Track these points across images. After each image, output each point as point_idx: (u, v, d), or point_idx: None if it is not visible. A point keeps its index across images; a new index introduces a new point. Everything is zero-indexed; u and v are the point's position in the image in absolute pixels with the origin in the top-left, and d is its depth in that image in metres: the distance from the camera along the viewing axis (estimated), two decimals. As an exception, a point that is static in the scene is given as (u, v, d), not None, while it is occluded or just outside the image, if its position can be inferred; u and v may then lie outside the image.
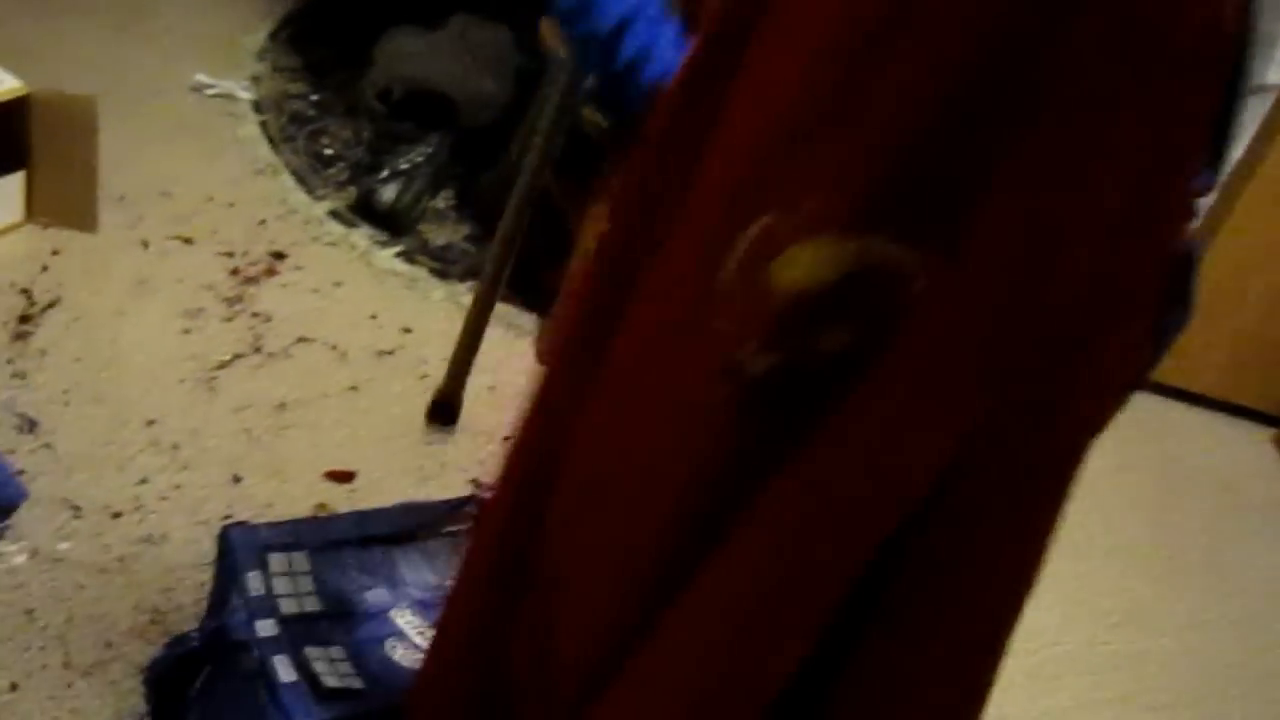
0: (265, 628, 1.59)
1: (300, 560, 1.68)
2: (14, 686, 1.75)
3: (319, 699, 1.52)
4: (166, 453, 2.13)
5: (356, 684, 1.56)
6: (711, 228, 0.97)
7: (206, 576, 1.94)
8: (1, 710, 1.72)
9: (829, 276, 0.90)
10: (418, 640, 1.66)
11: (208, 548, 1.99)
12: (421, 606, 1.70)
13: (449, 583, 1.74)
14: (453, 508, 1.81)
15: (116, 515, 2.00)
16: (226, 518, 2.05)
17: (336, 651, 1.61)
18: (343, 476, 2.18)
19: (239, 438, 2.19)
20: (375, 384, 2.37)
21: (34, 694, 1.75)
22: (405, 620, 1.68)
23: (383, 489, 2.18)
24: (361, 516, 1.78)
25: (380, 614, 1.67)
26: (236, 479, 2.12)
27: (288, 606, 1.63)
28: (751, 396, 0.97)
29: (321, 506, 2.11)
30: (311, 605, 1.65)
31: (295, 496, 2.12)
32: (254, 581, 1.63)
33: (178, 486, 2.08)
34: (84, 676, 1.79)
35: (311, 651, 1.59)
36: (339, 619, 1.65)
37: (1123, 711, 2.27)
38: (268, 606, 1.62)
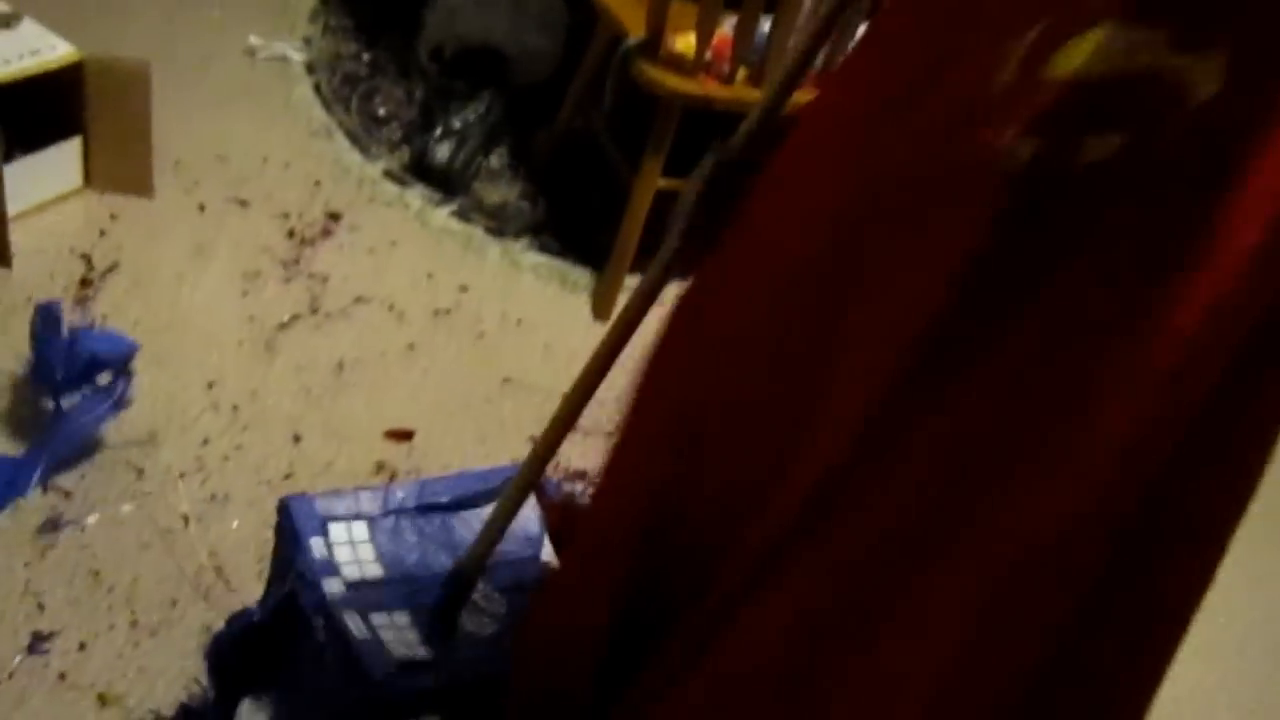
0: (332, 586, 1.59)
1: (360, 530, 1.67)
2: (82, 646, 1.77)
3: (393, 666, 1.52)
4: (227, 414, 2.13)
5: (422, 653, 1.55)
6: (992, 36, 0.99)
7: (270, 534, 1.95)
8: (71, 669, 1.74)
9: (1103, 68, 0.92)
10: (482, 604, 1.65)
11: (270, 507, 1.98)
12: (485, 571, 1.68)
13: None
14: (510, 476, 1.79)
15: (180, 476, 2.01)
16: (288, 477, 2.05)
17: (400, 618, 1.60)
18: (402, 436, 2.18)
19: (299, 398, 2.19)
20: (433, 343, 2.37)
21: (102, 653, 1.76)
22: (485, 590, 1.67)
23: (442, 448, 2.17)
24: (420, 485, 1.76)
25: (435, 580, 1.66)
26: (297, 439, 2.12)
27: (350, 572, 1.62)
28: (1016, 191, 0.97)
29: (381, 465, 2.11)
30: (374, 572, 1.63)
31: (355, 456, 2.12)
32: (317, 548, 1.63)
33: (239, 447, 2.08)
34: (151, 635, 1.80)
35: (377, 618, 1.57)
36: (401, 585, 1.64)
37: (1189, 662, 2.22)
38: (331, 569, 1.61)
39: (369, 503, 1.70)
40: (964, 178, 1.00)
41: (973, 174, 0.99)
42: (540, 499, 1.77)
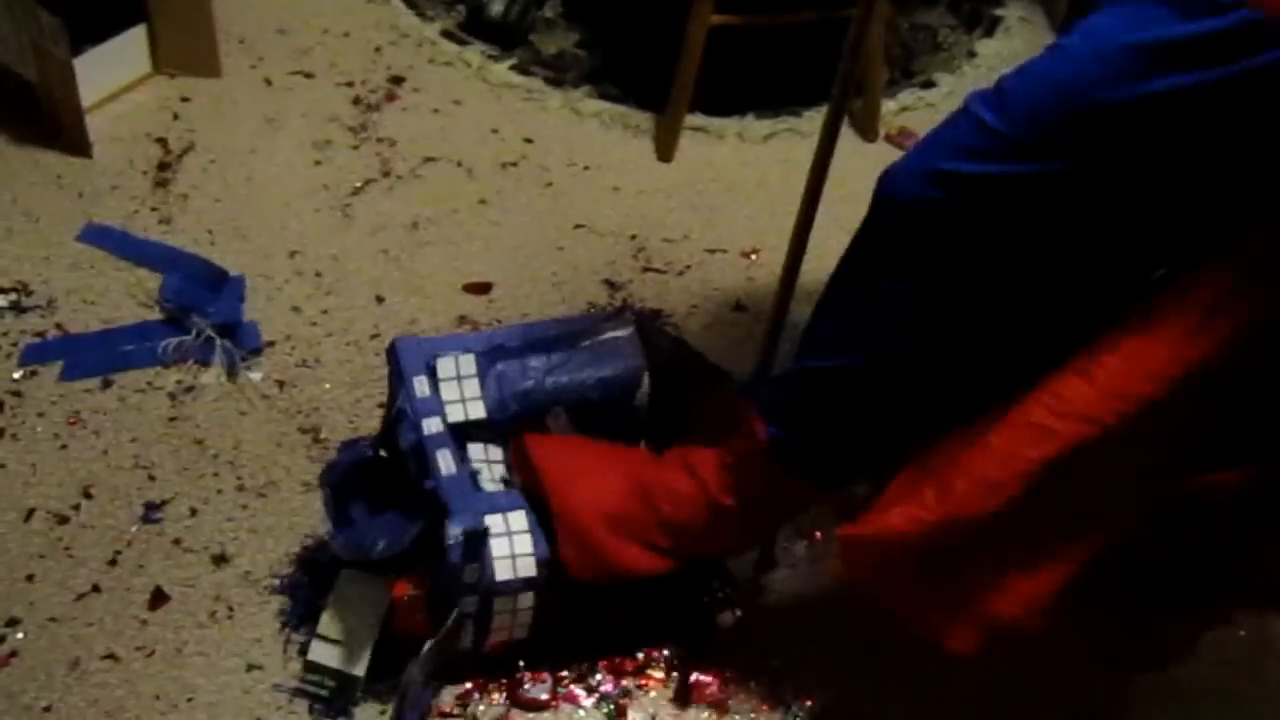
0: (431, 425, 1.55)
1: (467, 363, 1.62)
2: (194, 512, 1.75)
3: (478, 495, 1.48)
4: (311, 280, 2.08)
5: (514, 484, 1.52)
6: None
7: (361, 393, 1.91)
8: (184, 534, 1.72)
9: None
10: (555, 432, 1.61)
11: (359, 366, 1.95)
12: (575, 410, 1.63)
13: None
14: (609, 315, 1.72)
15: (270, 344, 1.97)
16: (374, 337, 2.00)
17: (495, 452, 1.56)
18: (480, 288, 2.11)
19: (378, 259, 2.13)
20: (503, 196, 2.28)
21: (213, 516, 1.74)
22: (560, 425, 1.62)
23: (519, 296, 2.10)
24: (525, 327, 1.71)
25: (538, 414, 1.61)
26: (379, 299, 2.06)
27: (454, 413, 1.58)
28: None
29: (463, 318, 2.05)
30: (476, 412, 1.59)
31: (437, 311, 2.06)
32: (420, 387, 1.59)
33: (325, 311, 2.03)
34: (258, 496, 1.78)
35: (473, 450, 1.54)
36: (499, 421, 1.59)
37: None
38: (434, 408, 1.57)
39: (476, 341, 1.66)
40: None
41: None
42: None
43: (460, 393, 1.60)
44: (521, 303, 2.09)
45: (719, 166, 2.41)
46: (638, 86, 2.54)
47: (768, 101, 2.55)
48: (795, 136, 2.50)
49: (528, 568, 1.49)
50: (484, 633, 1.54)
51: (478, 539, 1.46)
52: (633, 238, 2.24)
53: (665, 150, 2.42)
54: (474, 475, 1.52)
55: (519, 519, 1.49)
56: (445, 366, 1.61)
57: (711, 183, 2.37)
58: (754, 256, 2.23)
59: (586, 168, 2.37)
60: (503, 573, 1.48)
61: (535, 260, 2.17)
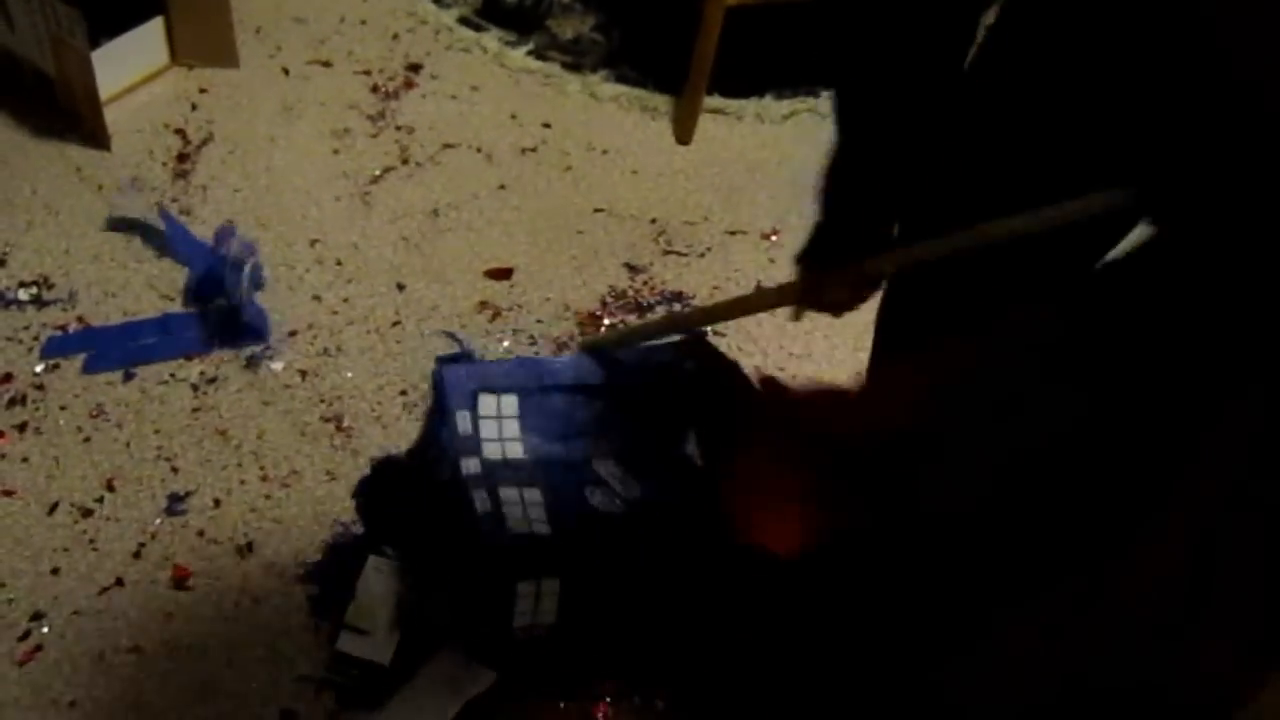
0: (469, 466, 1.51)
1: (509, 404, 1.59)
2: (217, 503, 1.71)
3: (507, 539, 1.44)
4: (332, 269, 2.03)
5: (543, 529, 1.47)
6: None
7: (384, 381, 1.87)
8: (208, 525, 1.68)
9: None
10: (618, 489, 1.56)
11: (381, 354, 1.91)
12: (623, 456, 1.59)
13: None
14: (665, 359, 1.67)
15: (292, 333, 1.93)
16: (395, 324, 1.96)
17: (531, 494, 1.52)
18: (501, 274, 2.07)
19: (398, 246, 2.08)
20: (522, 180, 2.24)
21: (237, 507, 1.71)
22: (607, 470, 1.58)
23: (540, 281, 2.06)
24: (576, 362, 1.66)
25: (583, 462, 1.57)
26: (400, 286, 2.02)
27: (491, 451, 1.55)
28: None
29: (484, 304, 2.00)
30: (514, 451, 1.56)
31: (458, 297, 2.01)
32: (463, 422, 1.56)
33: (346, 300, 1.99)
34: (282, 486, 1.74)
35: (506, 492, 1.50)
36: (539, 464, 1.55)
37: None
38: (472, 446, 1.54)
39: (522, 376, 1.61)
40: None
41: None
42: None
43: (499, 432, 1.57)
44: (543, 287, 2.04)
45: (738, 148, 2.36)
46: (655, 69, 2.49)
47: (786, 82, 2.50)
48: (814, 116, 2.44)
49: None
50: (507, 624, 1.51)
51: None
52: (653, 220, 2.19)
53: (684, 132, 2.37)
54: (504, 519, 1.48)
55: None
56: (486, 404, 1.58)
57: (731, 164, 2.32)
58: (774, 237, 2.18)
59: (605, 151, 2.32)
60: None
61: (556, 244, 2.13)
